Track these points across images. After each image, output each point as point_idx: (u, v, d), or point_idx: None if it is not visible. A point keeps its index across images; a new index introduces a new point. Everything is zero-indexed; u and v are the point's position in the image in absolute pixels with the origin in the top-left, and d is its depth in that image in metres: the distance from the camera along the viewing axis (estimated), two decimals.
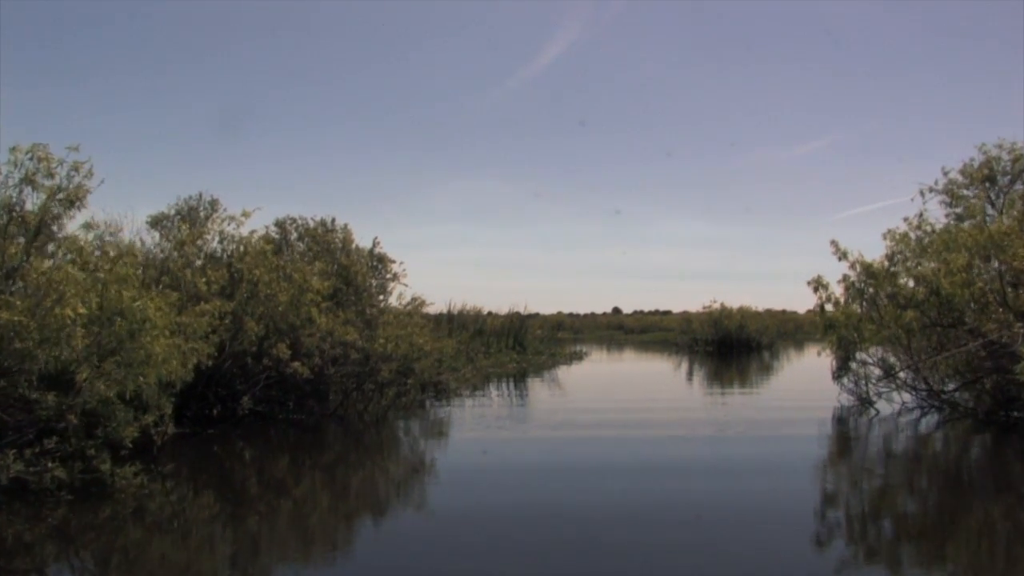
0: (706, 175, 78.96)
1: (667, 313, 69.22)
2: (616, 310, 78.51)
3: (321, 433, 12.42)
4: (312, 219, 18.96)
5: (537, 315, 46.69)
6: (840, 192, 79.99)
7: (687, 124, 75.78)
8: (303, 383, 12.78)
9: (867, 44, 67.66)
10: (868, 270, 12.26)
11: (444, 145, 74.19)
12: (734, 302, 41.64)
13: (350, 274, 16.25)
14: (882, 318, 12.40)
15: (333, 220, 18.89)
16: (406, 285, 19.68)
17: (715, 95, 72.49)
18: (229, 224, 13.62)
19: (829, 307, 13.67)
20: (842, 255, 12.81)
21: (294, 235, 18.95)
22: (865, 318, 12.34)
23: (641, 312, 74.64)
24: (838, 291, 13.01)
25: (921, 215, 14.81)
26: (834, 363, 14.37)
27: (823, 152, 75.18)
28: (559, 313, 65.32)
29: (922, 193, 15.26)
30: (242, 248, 13.00)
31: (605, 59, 70.89)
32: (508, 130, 76.27)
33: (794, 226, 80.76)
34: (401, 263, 19.75)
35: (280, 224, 18.96)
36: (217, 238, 13.55)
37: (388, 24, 65.91)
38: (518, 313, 32.96)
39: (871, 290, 12.15)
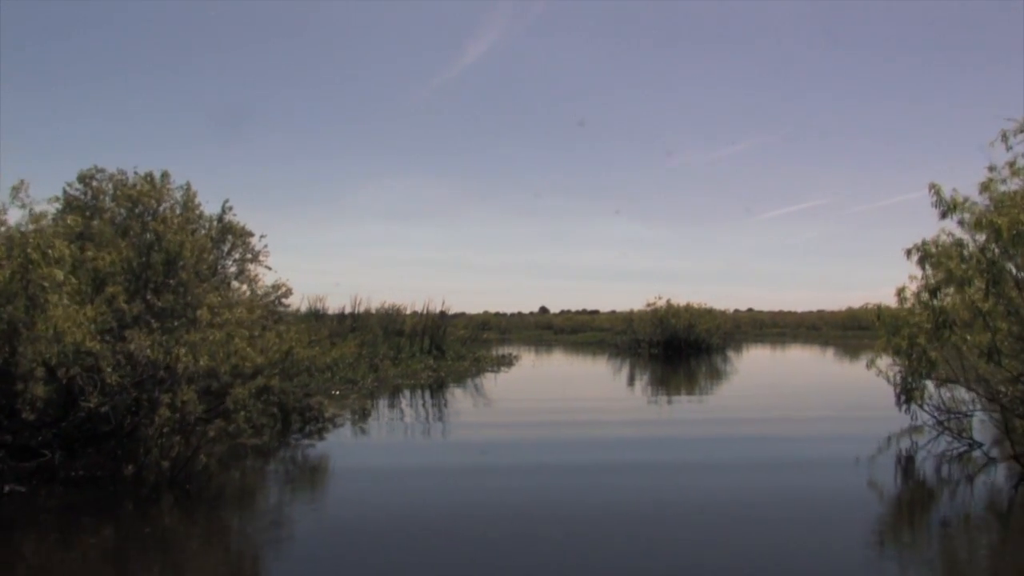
0: (631, 177, 76.32)
1: (595, 312, 66.13)
2: (543, 309, 74.04)
3: (50, 513, 6.82)
4: (135, 171, 13.30)
5: (463, 315, 41.68)
6: (762, 194, 78.47)
7: (613, 124, 73.19)
8: (32, 425, 7.19)
9: (791, 44, 66.18)
10: (1017, 233, 7.22)
11: (368, 144, 71.20)
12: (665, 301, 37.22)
13: (170, 246, 10.65)
14: None
15: (164, 175, 13.22)
16: (269, 268, 14.23)
17: (639, 95, 70.22)
18: None
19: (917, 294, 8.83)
20: (950, 207, 7.98)
21: (108, 196, 13.28)
22: (996, 313, 7.49)
23: (569, 312, 70.70)
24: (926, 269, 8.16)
25: (1013, 164, 10.28)
26: (897, 382, 9.68)
27: (745, 155, 73.46)
28: (485, 313, 60.46)
29: (1005, 137, 10.66)
30: None
31: (527, 58, 69.26)
32: (432, 129, 73.22)
33: (717, 227, 78.81)
34: (263, 237, 14.32)
35: (85, 179, 13.22)
36: None
37: (312, 24, 63.11)
38: (442, 312, 27.40)
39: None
